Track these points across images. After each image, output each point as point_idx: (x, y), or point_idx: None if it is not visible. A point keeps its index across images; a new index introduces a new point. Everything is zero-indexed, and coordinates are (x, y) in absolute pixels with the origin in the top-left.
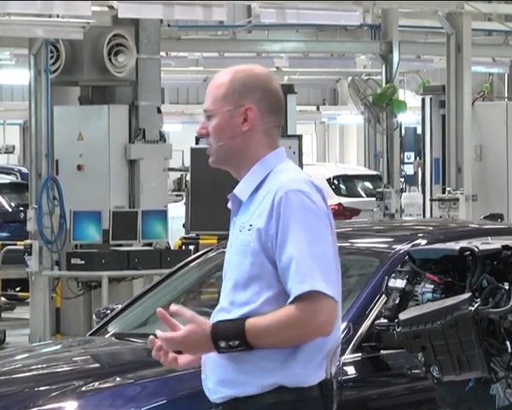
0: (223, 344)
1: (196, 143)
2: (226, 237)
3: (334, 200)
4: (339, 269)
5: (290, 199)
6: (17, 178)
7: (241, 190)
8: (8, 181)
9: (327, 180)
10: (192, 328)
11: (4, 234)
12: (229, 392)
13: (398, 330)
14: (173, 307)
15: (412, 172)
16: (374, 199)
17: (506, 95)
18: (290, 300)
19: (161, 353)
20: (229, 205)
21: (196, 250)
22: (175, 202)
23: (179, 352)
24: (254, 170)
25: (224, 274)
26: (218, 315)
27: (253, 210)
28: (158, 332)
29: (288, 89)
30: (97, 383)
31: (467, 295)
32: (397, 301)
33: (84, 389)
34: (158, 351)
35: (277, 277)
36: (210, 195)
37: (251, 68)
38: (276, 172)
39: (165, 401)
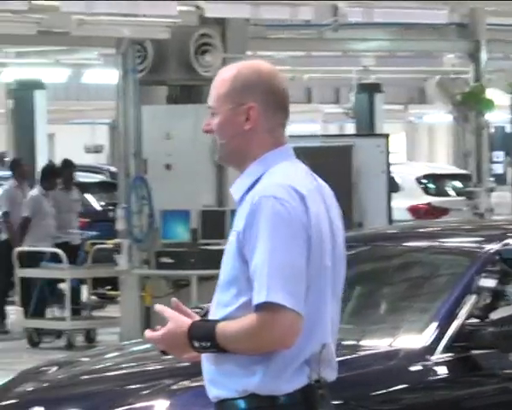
0: (196, 344)
1: None
2: None
3: (423, 199)
4: (342, 275)
5: (262, 206)
6: (106, 177)
7: (235, 189)
8: (97, 180)
9: (416, 179)
10: (171, 326)
11: (94, 233)
12: (215, 392)
13: (490, 329)
14: (157, 307)
15: (502, 172)
16: (463, 198)
17: None
18: (254, 308)
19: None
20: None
21: None
22: None
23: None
24: (250, 169)
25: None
26: (209, 315)
27: (240, 212)
28: (146, 332)
29: (375, 88)
30: (187, 382)
31: None
32: (488, 301)
33: (174, 387)
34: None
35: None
36: None
37: (256, 65)
38: (270, 173)
39: None
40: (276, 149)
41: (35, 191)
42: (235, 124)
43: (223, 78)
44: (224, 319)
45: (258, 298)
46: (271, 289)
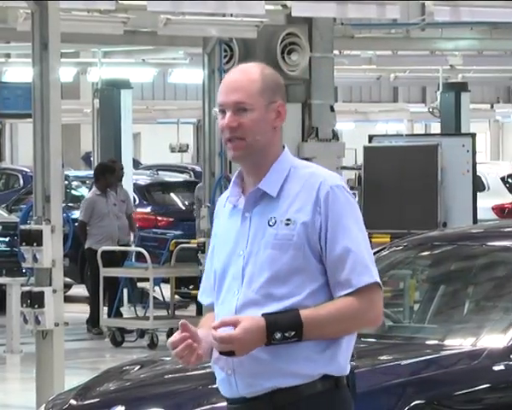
0: (278, 335)
1: (369, 142)
2: (400, 236)
3: (508, 198)
4: None
5: (336, 193)
6: (190, 176)
7: (269, 186)
8: (181, 179)
9: (501, 179)
10: (246, 324)
11: (178, 232)
12: (268, 384)
13: None
14: (215, 324)
15: None
16: None
17: None
18: (348, 291)
19: (186, 352)
20: (233, 201)
21: None
22: None
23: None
24: (278, 166)
25: (237, 269)
26: (247, 310)
27: (285, 206)
28: (215, 332)
29: (462, 87)
30: None
31: None
32: None
33: None
34: (183, 350)
35: (320, 270)
36: (383, 193)
37: (269, 67)
38: (299, 167)
39: None
40: (286, 148)
41: (90, 193)
42: (268, 121)
43: (250, 78)
44: (287, 309)
45: (362, 279)
46: (372, 270)
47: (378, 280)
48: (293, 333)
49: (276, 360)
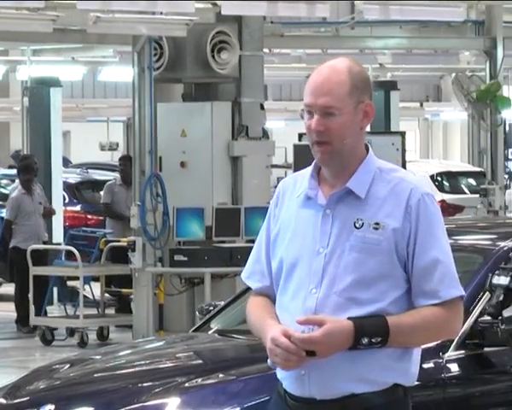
0: (365, 341)
1: (299, 140)
2: None
3: (437, 196)
4: None
5: (427, 202)
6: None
7: (357, 187)
8: (111, 178)
9: (430, 177)
10: (332, 326)
11: (108, 230)
12: (343, 389)
13: (502, 327)
14: (301, 319)
15: None
16: (477, 196)
17: None
18: (435, 302)
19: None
20: (312, 194)
21: None
22: None
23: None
24: (365, 167)
25: (317, 267)
26: (329, 311)
27: (374, 209)
28: (294, 334)
29: (391, 85)
30: (200, 380)
31: None
32: (501, 299)
33: (187, 385)
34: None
35: (404, 277)
36: None
37: (356, 63)
38: (385, 170)
39: (267, 398)
40: (370, 148)
41: (15, 192)
42: (355, 122)
43: (338, 79)
44: (371, 315)
45: (452, 292)
46: (459, 283)
47: (464, 294)
48: (379, 339)
49: (354, 365)
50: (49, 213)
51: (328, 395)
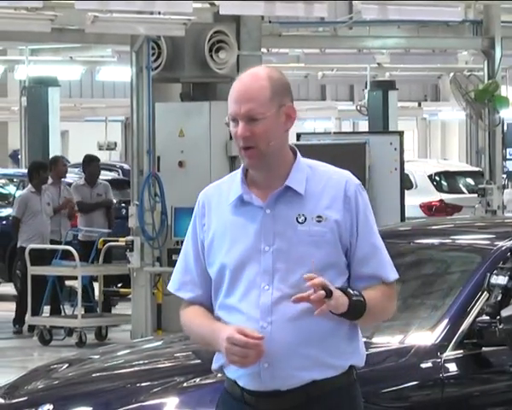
0: (354, 292)
1: (297, 140)
2: None
3: (435, 196)
4: None
5: (362, 192)
6: (119, 174)
7: (296, 184)
8: (109, 178)
9: (428, 177)
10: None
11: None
12: (307, 377)
13: (500, 327)
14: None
15: None
16: (475, 195)
17: None
18: (378, 283)
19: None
20: (248, 198)
21: None
22: None
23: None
24: (299, 166)
25: (265, 265)
26: (285, 303)
27: (313, 203)
28: (313, 280)
29: (389, 85)
30: (198, 379)
31: None
32: (499, 298)
33: (185, 384)
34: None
35: (346, 264)
36: None
37: (276, 70)
38: (314, 166)
39: None
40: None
41: (24, 190)
42: (279, 125)
43: (259, 85)
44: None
45: (393, 274)
46: (393, 266)
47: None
48: (361, 299)
49: (312, 352)
50: (71, 210)
51: (292, 385)
